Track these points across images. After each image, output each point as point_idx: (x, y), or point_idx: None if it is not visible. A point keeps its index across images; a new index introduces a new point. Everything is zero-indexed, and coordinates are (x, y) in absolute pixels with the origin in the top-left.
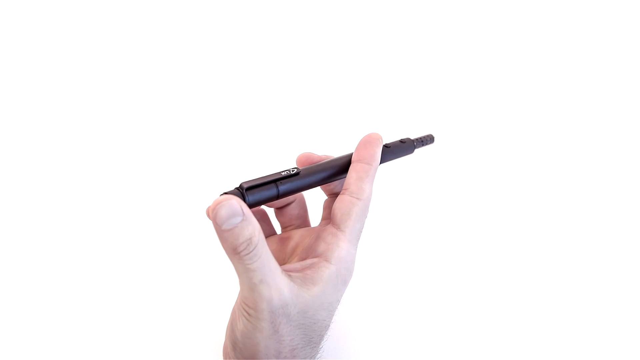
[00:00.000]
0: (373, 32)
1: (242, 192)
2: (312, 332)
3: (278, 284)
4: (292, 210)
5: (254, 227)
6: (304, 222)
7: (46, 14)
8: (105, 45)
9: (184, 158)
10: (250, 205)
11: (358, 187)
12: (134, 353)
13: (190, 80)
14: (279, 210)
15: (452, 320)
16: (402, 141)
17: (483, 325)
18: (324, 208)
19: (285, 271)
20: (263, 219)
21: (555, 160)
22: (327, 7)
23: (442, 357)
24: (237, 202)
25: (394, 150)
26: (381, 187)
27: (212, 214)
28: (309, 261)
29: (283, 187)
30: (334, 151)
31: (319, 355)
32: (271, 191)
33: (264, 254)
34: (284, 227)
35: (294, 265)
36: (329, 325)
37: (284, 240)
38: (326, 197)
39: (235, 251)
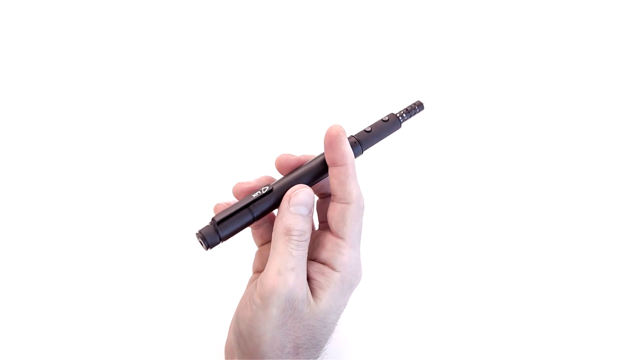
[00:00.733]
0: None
1: (215, 226)
2: (320, 335)
3: (303, 279)
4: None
5: (310, 227)
6: None
7: (46, 14)
8: (98, 43)
9: (177, 159)
10: (226, 237)
11: (342, 191)
12: (135, 353)
13: (181, 81)
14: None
15: (451, 321)
16: (383, 120)
17: (481, 324)
18: (317, 211)
19: None
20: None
21: (557, 153)
22: (315, 7)
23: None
24: (313, 199)
25: (376, 133)
26: (373, 178)
27: (291, 191)
28: (316, 267)
29: (258, 210)
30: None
31: (320, 357)
32: (246, 217)
33: (305, 250)
34: None
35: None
36: (334, 329)
37: None
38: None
39: (288, 232)
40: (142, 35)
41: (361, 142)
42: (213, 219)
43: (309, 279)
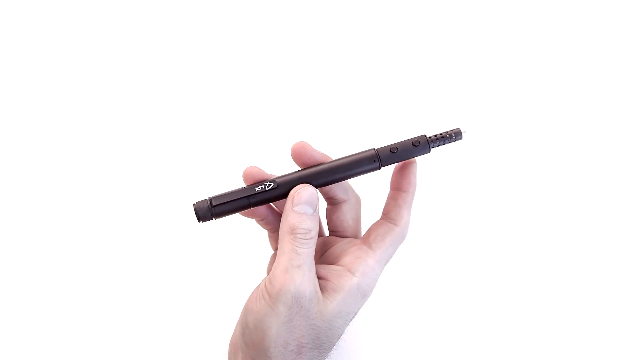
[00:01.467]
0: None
1: (210, 205)
2: (325, 337)
3: (310, 277)
4: (346, 215)
5: (316, 225)
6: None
7: (45, 14)
8: (98, 43)
9: (177, 158)
10: (219, 216)
11: (396, 213)
12: (137, 354)
13: (178, 80)
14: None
15: (456, 330)
16: (414, 144)
17: (484, 330)
18: (327, 220)
19: None
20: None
21: (561, 157)
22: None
23: None
24: (317, 198)
25: (401, 155)
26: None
27: (294, 191)
28: (333, 269)
29: (256, 199)
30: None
31: None
32: (242, 203)
33: (311, 248)
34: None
35: (320, 270)
36: (341, 334)
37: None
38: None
39: (293, 231)
40: (142, 35)
41: (381, 159)
42: (210, 199)
43: (324, 279)
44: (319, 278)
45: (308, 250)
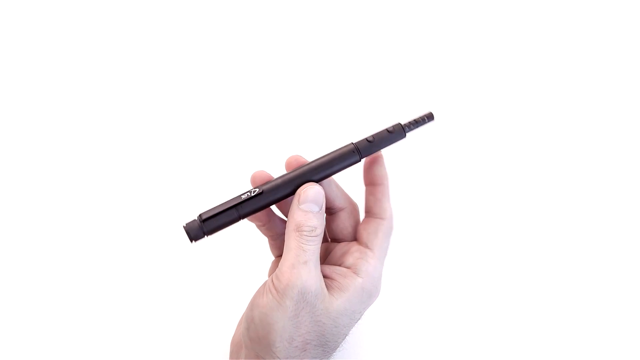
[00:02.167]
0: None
1: (200, 222)
2: (330, 335)
3: (316, 274)
4: (345, 223)
5: (322, 223)
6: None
7: (45, 13)
8: (97, 42)
9: (178, 158)
10: (211, 233)
11: (379, 207)
12: (137, 355)
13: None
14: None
15: (458, 333)
16: (389, 130)
17: (485, 330)
18: (327, 228)
19: None
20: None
21: (560, 157)
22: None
23: None
24: (322, 197)
25: (378, 143)
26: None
27: (300, 190)
28: (338, 270)
29: (245, 209)
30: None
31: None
32: (232, 216)
33: (317, 245)
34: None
35: (325, 270)
36: (346, 335)
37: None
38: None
39: (299, 229)
40: (142, 34)
41: (361, 151)
42: (200, 215)
43: (330, 279)
44: (324, 277)
45: (314, 247)
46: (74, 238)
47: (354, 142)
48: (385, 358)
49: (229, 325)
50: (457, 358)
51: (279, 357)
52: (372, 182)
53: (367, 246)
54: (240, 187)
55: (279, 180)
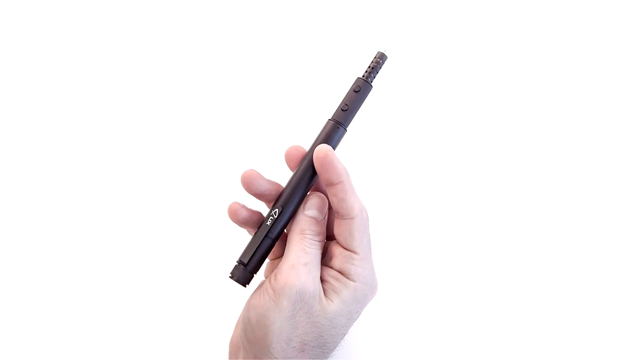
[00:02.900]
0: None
1: (243, 266)
2: (329, 336)
3: (315, 276)
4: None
5: (324, 230)
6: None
7: (45, 13)
8: (97, 42)
9: (179, 157)
10: (256, 269)
11: (345, 207)
12: (137, 354)
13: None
14: None
15: (457, 332)
16: (355, 90)
17: (488, 339)
18: (336, 230)
19: None
20: None
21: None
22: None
23: None
24: (326, 206)
25: (353, 106)
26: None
27: (308, 197)
28: (331, 272)
29: (274, 232)
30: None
31: None
32: (266, 243)
33: (318, 250)
34: None
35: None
36: (345, 334)
37: None
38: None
39: (302, 232)
40: (142, 34)
41: (342, 122)
42: (240, 261)
43: (324, 281)
44: (322, 280)
45: (315, 250)
46: (74, 238)
47: (330, 117)
48: (385, 357)
49: (228, 326)
50: (455, 356)
51: (276, 358)
52: (329, 182)
53: (348, 248)
54: (239, 186)
55: (288, 190)
